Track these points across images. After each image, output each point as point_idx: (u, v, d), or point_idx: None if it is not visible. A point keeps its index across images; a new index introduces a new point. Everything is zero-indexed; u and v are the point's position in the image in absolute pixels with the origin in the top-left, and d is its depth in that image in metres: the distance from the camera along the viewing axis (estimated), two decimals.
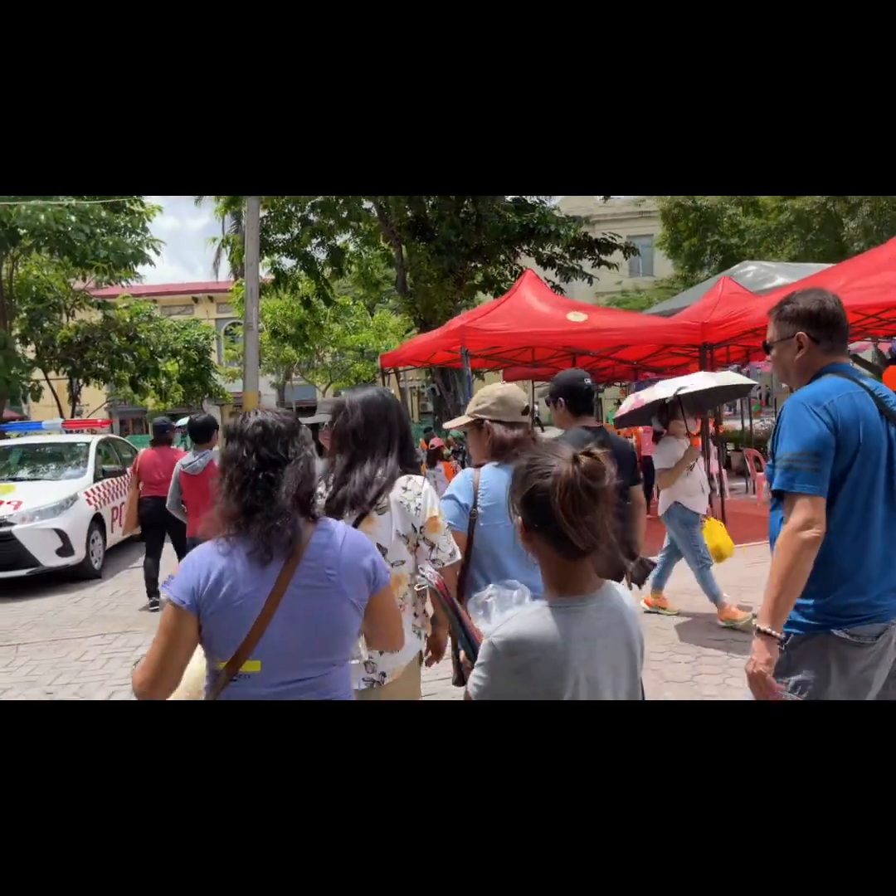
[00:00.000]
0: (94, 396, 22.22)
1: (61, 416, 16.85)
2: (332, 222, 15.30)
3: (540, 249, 13.00)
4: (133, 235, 12.19)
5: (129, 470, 6.02)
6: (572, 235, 11.98)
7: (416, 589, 1.74)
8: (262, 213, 14.84)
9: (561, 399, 2.77)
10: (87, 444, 7.60)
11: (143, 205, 12.98)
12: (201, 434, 4.66)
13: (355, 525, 1.86)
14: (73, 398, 16.81)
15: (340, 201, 14.90)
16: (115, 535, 7.67)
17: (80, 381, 16.42)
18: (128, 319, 15.63)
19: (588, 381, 2.83)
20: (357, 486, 1.92)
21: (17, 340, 15.90)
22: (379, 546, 1.83)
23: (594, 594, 1.29)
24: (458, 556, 2.00)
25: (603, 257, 13.84)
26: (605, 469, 1.22)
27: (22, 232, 9.49)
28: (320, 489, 1.87)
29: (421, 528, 1.95)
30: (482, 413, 2.27)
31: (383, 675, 1.95)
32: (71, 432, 8.41)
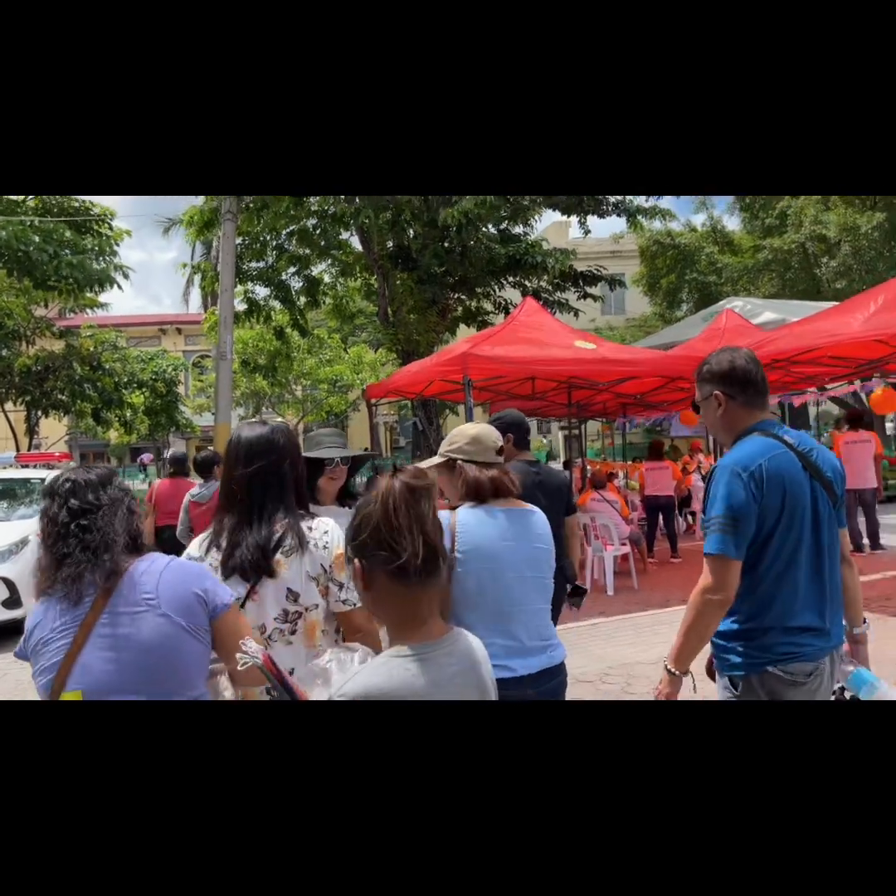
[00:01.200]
0: (54, 428, 21.20)
1: (17, 448, 15.88)
2: (308, 251, 14.85)
3: (526, 282, 12.66)
4: (100, 259, 11.54)
5: (145, 499, 6.18)
6: (560, 267, 11.65)
7: (240, 667, 1.52)
8: (237, 240, 14.36)
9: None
10: (42, 481, 6.85)
11: (110, 228, 12.37)
12: (205, 468, 5.18)
13: (259, 579, 1.81)
14: (31, 430, 15.85)
15: (318, 230, 14.48)
16: None
17: (39, 412, 15.52)
18: (91, 348, 14.85)
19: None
20: (251, 551, 1.80)
21: None
22: (290, 590, 1.81)
23: (442, 639, 1.26)
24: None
25: (587, 290, 13.57)
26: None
27: None
28: (213, 555, 1.83)
29: (329, 567, 1.85)
30: (455, 453, 2.18)
31: None
32: (25, 467, 7.60)
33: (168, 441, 24.75)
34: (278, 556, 1.82)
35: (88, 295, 14.01)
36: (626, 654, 4.88)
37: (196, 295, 33.83)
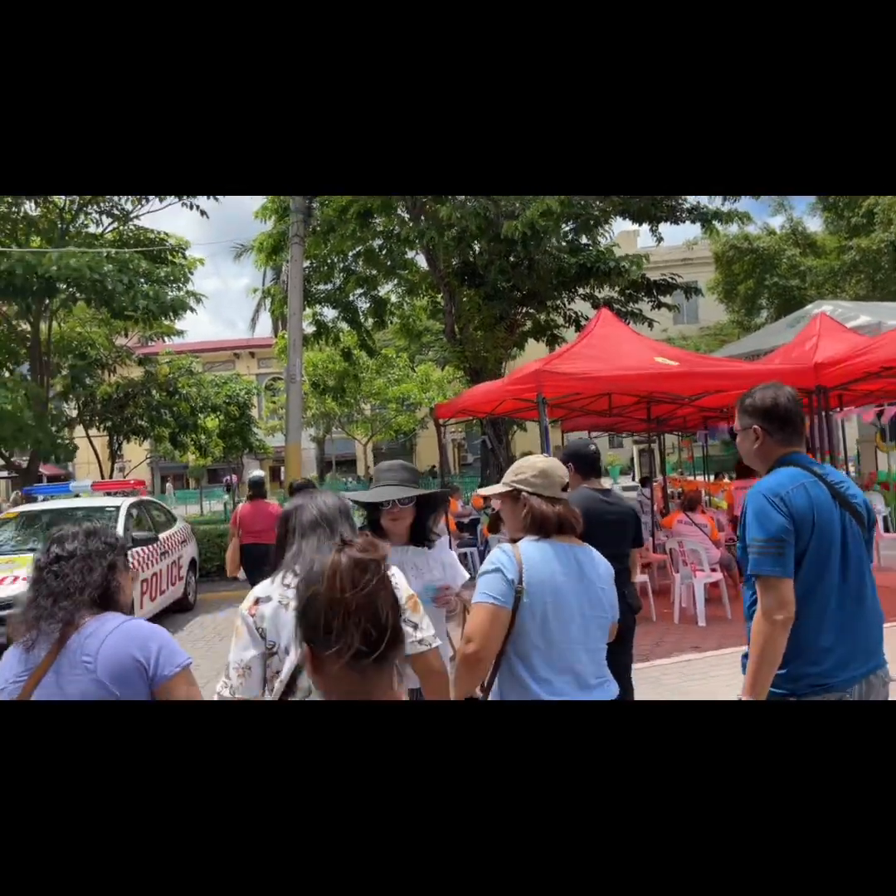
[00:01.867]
0: (136, 453, 21.94)
1: (101, 474, 16.41)
2: (375, 272, 14.88)
3: (596, 293, 12.24)
4: (174, 287, 11.79)
5: (229, 523, 6.96)
6: (635, 273, 11.19)
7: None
8: (304, 264, 14.51)
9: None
10: (117, 509, 6.89)
11: (184, 257, 12.64)
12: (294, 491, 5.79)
13: None
14: (113, 455, 16.37)
15: (384, 251, 14.49)
16: (147, 609, 6.88)
17: (121, 437, 16.01)
18: (168, 374, 15.24)
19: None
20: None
21: (58, 398, 15.62)
22: None
23: None
24: (440, 639, 1.94)
25: (661, 299, 13.05)
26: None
27: (59, 284, 9.04)
28: (290, 579, 1.80)
29: (403, 607, 1.76)
30: (521, 484, 2.14)
31: None
32: (100, 495, 7.70)
33: (242, 462, 25.28)
34: None
35: (165, 323, 14.42)
36: (725, 694, 4.43)
37: (265, 319, 34.63)
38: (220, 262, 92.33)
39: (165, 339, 17.37)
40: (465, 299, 11.88)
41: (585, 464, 3.20)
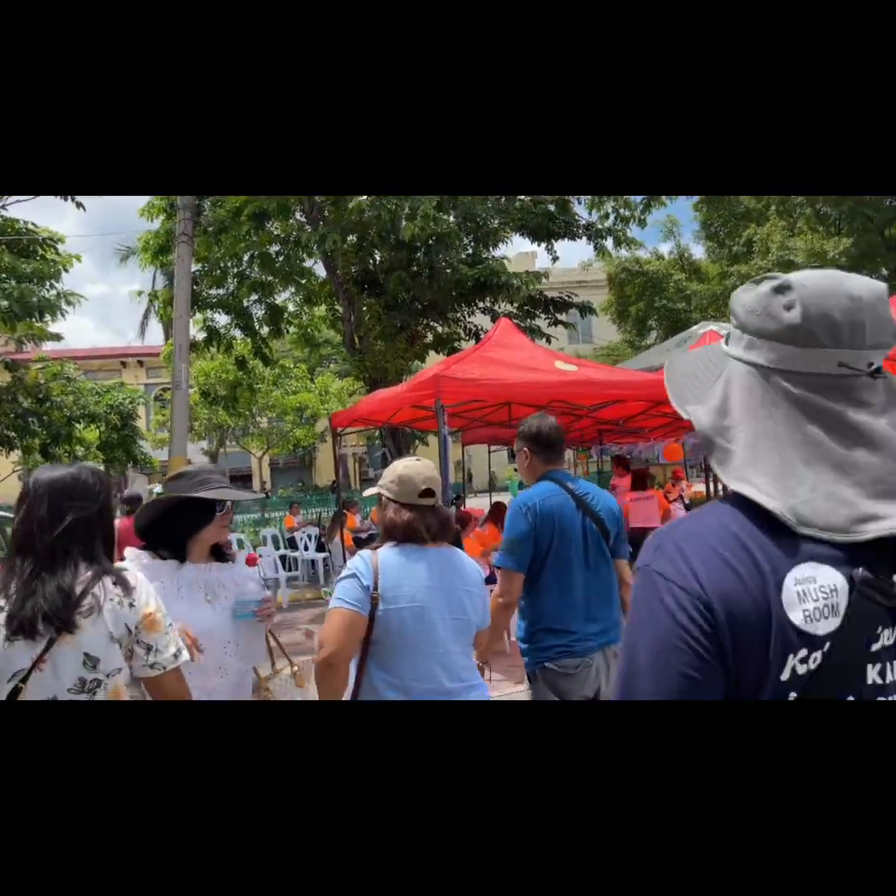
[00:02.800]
0: (5, 467, 20.13)
1: None
2: (271, 278, 14.33)
3: (495, 307, 12.26)
4: (44, 286, 10.83)
5: None
6: (528, 290, 11.28)
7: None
8: (195, 267, 13.78)
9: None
10: None
11: (57, 253, 11.68)
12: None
13: (52, 643, 1.58)
14: None
15: (281, 257, 13.99)
16: None
17: None
18: (39, 380, 14.03)
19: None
20: (50, 599, 1.58)
21: None
22: (87, 655, 1.62)
23: None
24: (185, 656, 1.74)
25: (558, 317, 13.23)
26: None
27: None
28: None
29: (136, 626, 1.68)
30: (382, 490, 2.16)
31: None
32: None
33: (126, 477, 23.74)
34: (76, 618, 1.60)
35: (37, 324, 13.26)
36: None
37: (155, 326, 32.99)
38: (111, 267, 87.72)
39: (40, 344, 16.06)
40: (364, 308, 11.57)
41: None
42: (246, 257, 14.31)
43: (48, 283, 10.70)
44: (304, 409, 23.77)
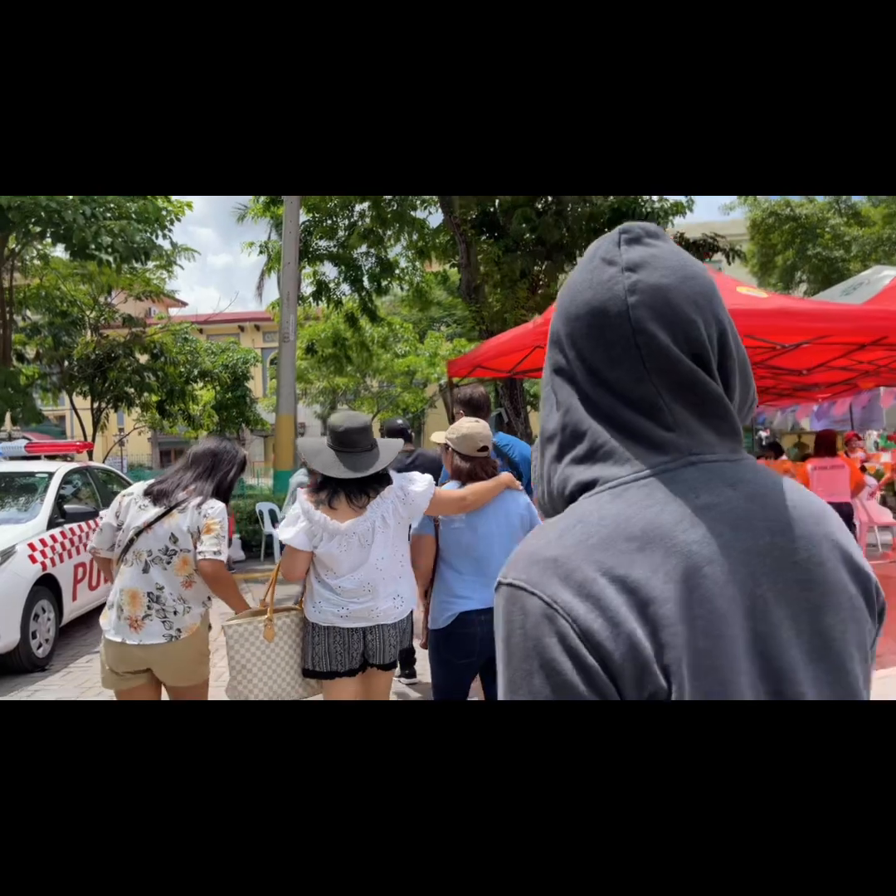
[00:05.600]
0: (128, 425, 20.72)
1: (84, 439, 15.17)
2: (382, 228, 13.46)
3: None
4: (156, 231, 10.36)
5: None
6: (672, 223, 9.75)
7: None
8: (305, 217, 13.11)
9: (459, 409, 3.56)
10: (50, 476, 5.57)
11: (169, 201, 11.24)
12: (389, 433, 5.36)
13: (160, 517, 2.74)
14: (95, 424, 15.08)
15: (392, 208, 13.08)
16: (81, 600, 5.58)
17: (105, 404, 14.72)
18: (153, 335, 13.90)
19: (481, 389, 3.66)
20: (170, 486, 2.81)
21: (31, 360, 14.31)
22: (172, 535, 2.72)
23: None
24: (221, 556, 2.71)
25: (704, 261, 11.56)
26: None
27: (10, 216, 7.66)
28: (147, 485, 2.89)
29: (199, 527, 2.73)
30: (450, 442, 2.85)
31: (179, 630, 2.73)
32: (34, 458, 6.32)
33: (241, 438, 24.02)
34: (174, 511, 2.74)
35: (148, 275, 13.05)
36: None
37: (270, 290, 33.21)
38: (232, 237, 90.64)
39: (158, 301, 16.04)
40: (482, 252, 10.43)
41: (473, 407, 3.44)
42: (357, 207, 13.56)
43: (157, 229, 10.20)
44: (413, 373, 23.02)
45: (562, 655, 0.63)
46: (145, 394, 14.48)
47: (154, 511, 2.72)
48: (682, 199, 10.66)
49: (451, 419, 9.35)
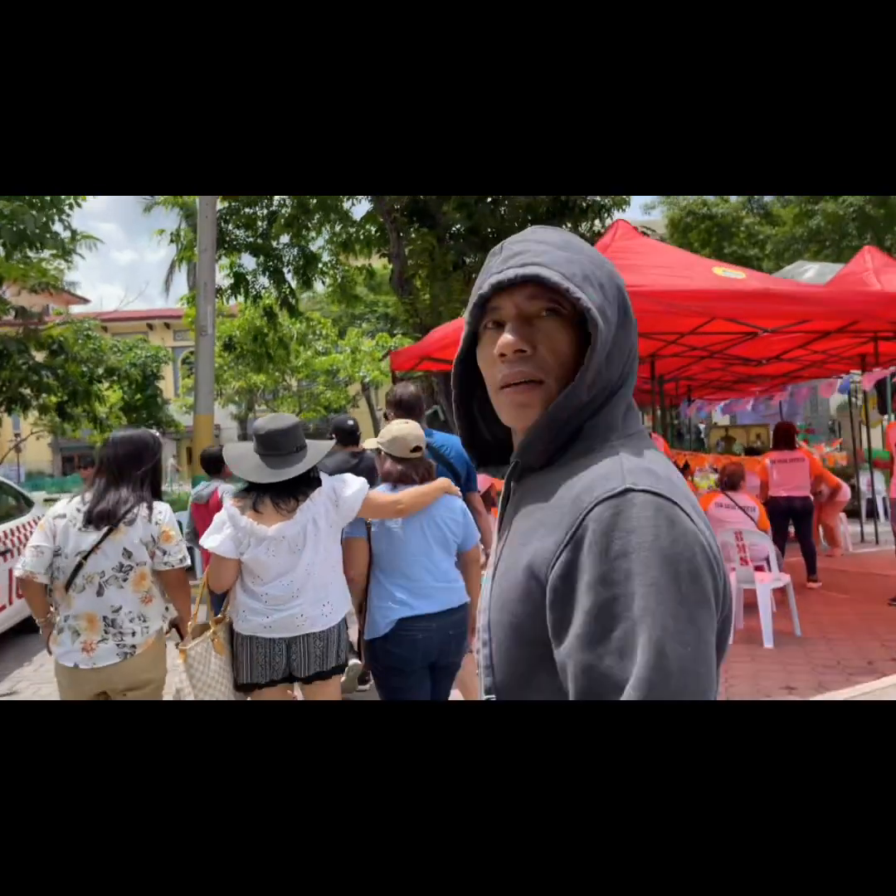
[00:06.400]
0: (29, 429, 19.04)
1: None
2: (305, 220, 12.78)
3: (572, 229, 10.50)
4: (51, 215, 9.36)
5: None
6: (614, 213, 9.58)
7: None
8: (222, 205, 12.28)
9: (332, 435, 4.00)
10: None
11: None
12: (212, 465, 4.89)
13: (106, 535, 2.59)
14: None
15: (315, 200, 12.42)
16: None
17: None
18: (52, 334, 12.69)
19: (351, 422, 4.19)
20: (111, 504, 2.62)
21: None
22: (125, 551, 2.60)
23: None
24: (187, 562, 2.72)
25: None
26: None
27: None
28: (77, 504, 2.66)
29: (155, 537, 2.64)
30: (380, 444, 2.80)
31: (134, 647, 2.63)
32: None
33: None
34: (121, 525, 2.60)
35: (45, 267, 11.88)
36: None
37: (178, 285, 31.65)
38: (138, 234, 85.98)
39: (54, 294, 14.71)
40: (415, 241, 9.96)
41: (405, 408, 3.48)
42: (277, 196, 12.82)
43: (53, 215, 9.20)
44: (336, 371, 22.25)
45: (706, 571, 0.71)
46: (44, 395, 13.23)
47: (97, 533, 2.59)
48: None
49: (374, 419, 8.78)
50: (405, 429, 2.75)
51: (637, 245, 4.68)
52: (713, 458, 7.26)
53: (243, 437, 33.66)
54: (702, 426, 12.75)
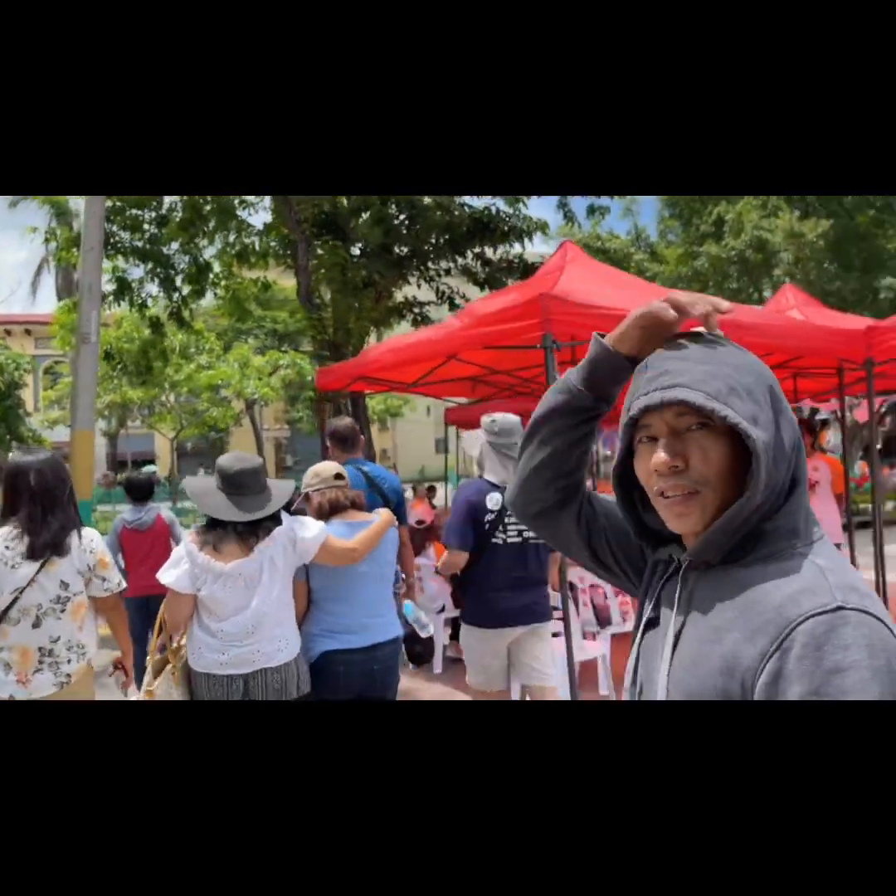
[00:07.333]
0: None
1: None
2: (202, 225, 11.96)
3: (495, 253, 10.32)
4: None
5: None
6: (536, 234, 9.54)
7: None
8: (107, 203, 11.24)
9: (329, 442, 3.88)
10: None
11: None
12: (142, 492, 4.78)
13: (41, 567, 2.53)
14: None
15: (209, 206, 11.65)
16: None
17: None
18: None
19: (348, 420, 4.03)
20: (53, 533, 2.56)
21: None
22: (62, 582, 2.57)
23: None
24: (124, 585, 2.81)
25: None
26: None
27: None
28: (3, 540, 2.53)
29: (91, 565, 2.65)
30: (308, 489, 2.97)
31: (69, 675, 2.62)
32: None
33: (7, 459, 20.45)
34: (53, 557, 2.56)
35: None
36: None
37: (46, 290, 29.31)
38: None
39: None
40: (324, 254, 9.45)
41: (340, 440, 3.69)
42: (168, 199, 11.93)
43: None
44: (222, 387, 21.08)
45: None
46: None
47: (31, 565, 2.54)
48: (544, 218, 10.51)
49: (259, 440, 8.14)
50: (324, 465, 3.02)
51: (590, 266, 4.51)
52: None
53: (112, 455, 31.28)
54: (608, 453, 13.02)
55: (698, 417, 0.85)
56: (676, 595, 0.92)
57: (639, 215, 21.42)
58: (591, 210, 11.37)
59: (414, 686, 4.95)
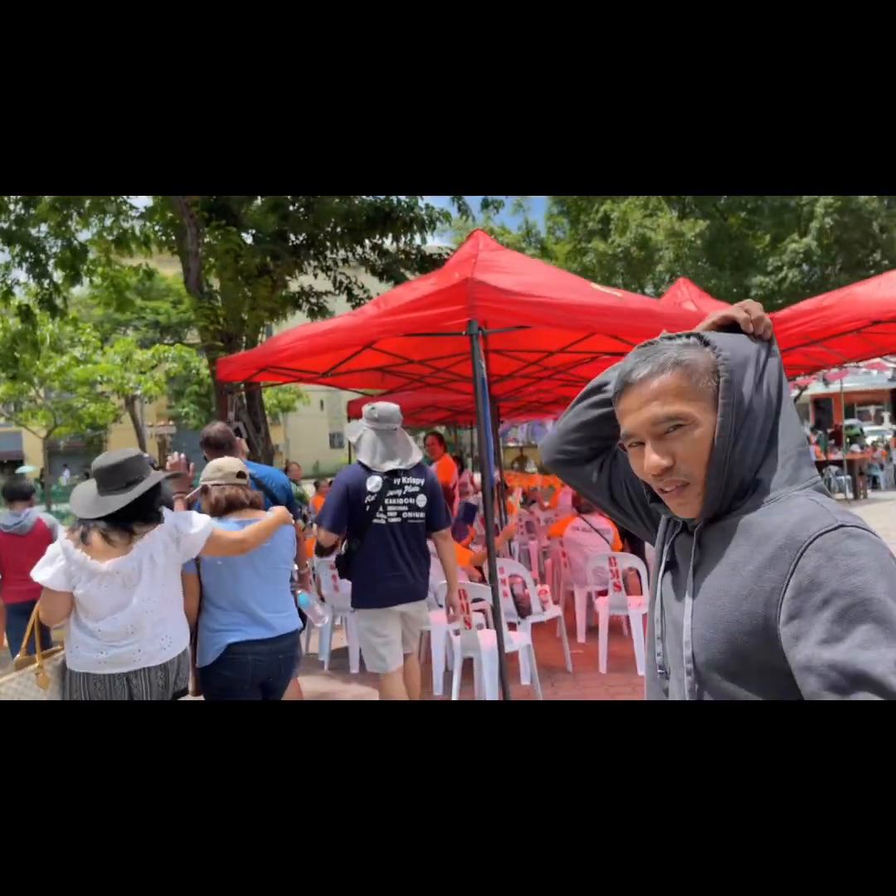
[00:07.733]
0: None
1: None
2: (74, 208, 11.12)
3: (396, 243, 10.15)
4: None
5: None
6: (441, 222, 9.47)
7: None
8: None
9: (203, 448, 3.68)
10: None
11: None
12: (20, 496, 4.66)
13: None
14: None
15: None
16: None
17: None
18: None
19: (219, 425, 3.78)
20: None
21: None
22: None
23: None
24: None
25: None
26: None
27: None
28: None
29: None
30: (206, 482, 2.95)
31: None
32: None
33: None
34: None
35: None
36: None
37: None
38: None
39: None
40: (216, 238, 8.99)
41: (213, 445, 3.54)
42: None
43: None
44: (102, 382, 19.74)
45: None
46: None
47: None
48: (448, 209, 10.44)
49: (140, 436, 7.68)
50: (227, 460, 3.03)
51: (504, 256, 4.49)
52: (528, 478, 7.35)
53: None
54: (511, 444, 13.18)
55: (669, 423, 0.98)
56: (692, 545, 1.03)
57: (529, 211, 21.87)
58: (486, 204, 11.45)
59: (332, 688, 4.79)
